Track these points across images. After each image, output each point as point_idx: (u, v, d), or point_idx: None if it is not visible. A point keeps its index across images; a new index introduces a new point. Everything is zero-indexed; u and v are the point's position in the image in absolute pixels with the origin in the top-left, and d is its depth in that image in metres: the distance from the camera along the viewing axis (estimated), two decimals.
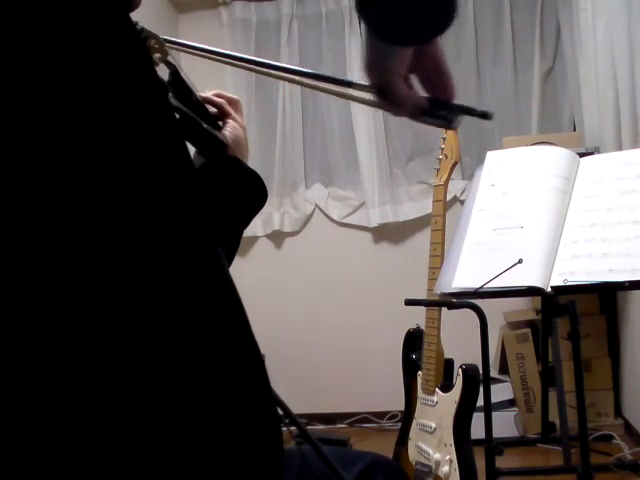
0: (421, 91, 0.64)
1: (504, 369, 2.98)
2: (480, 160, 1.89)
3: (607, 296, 2.88)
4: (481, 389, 1.79)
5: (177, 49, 0.74)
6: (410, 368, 1.98)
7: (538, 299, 2.31)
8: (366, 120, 3.35)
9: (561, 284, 1.46)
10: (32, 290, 0.42)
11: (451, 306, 1.76)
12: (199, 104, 0.86)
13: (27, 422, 0.42)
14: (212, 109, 0.91)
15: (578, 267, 1.47)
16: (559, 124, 3.23)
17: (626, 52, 2.33)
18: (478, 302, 1.71)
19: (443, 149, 1.96)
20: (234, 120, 0.92)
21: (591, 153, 2.40)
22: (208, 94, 0.92)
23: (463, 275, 1.60)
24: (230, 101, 0.93)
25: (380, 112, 3.36)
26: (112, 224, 0.44)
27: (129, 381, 0.44)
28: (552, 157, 1.70)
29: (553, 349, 2.16)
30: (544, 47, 3.24)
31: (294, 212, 3.51)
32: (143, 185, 0.45)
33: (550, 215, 1.59)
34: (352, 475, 0.74)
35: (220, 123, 0.92)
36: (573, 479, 1.60)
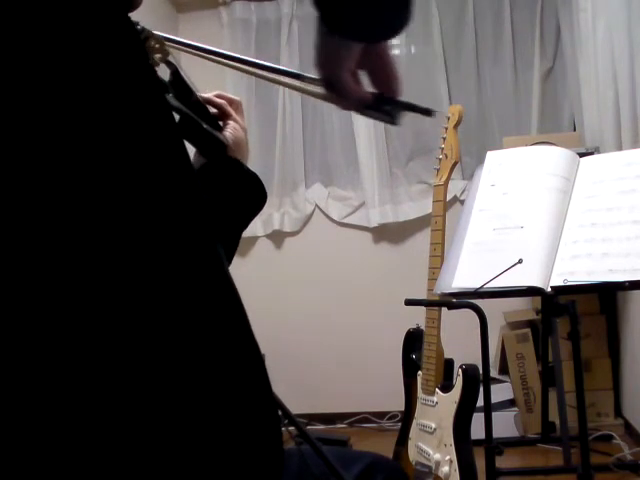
0: (368, 86, 0.66)
1: (504, 369, 2.98)
2: (480, 160, 1.89)
3: (607, 296, 2.88)
4: (481, 389, 1.79)
5: (177, 48, 0.74)
6: (410, 368, 1.98)
7: (538, 299, 2.31)
8: (366, 120, 3.35)
9: (561, 284, 1.46)
10: (32, 290, 0.42)
11: (451, 306, 1.76)
12: (200, 104, 0.86)
13: (27, 422, 0.42)
14: (213, 110, 0.91)
15: (578, 267, 1.47)
16: (559, 124, 3.23)
17: (626, 52, 2.33)
18: (478, 302, 1.71)
19: (443, 149, 1.96)
20: (235, 121, 0.92)
21: (591, 153, 2.40)
22: (209, 95, 0.92)
23: (463, 275, 1.60)
24: (231, 102, 0.93)
25: None
26: (111, 224, 0.44)
27: (129, 381, 0.44)
28: (552, 157, 1.70)
29: (553, 349, 2.16)
30: (544, 47, 3.24)
31: (294, 212, 3.51)
32: (141, 185, 0.45)
33: (550, 215, 1.59)
34: (352, 475, 0.74)
35: (221, 124, 0.92)
36: (573, 479, 1.60)
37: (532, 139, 2.75)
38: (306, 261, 3.48)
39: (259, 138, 3.50)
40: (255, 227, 3.46)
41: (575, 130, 3.15)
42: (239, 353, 0.50)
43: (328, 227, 3.51)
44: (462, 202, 3.11)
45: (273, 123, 3.50)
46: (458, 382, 1.76)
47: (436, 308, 1.87)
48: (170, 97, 0.79)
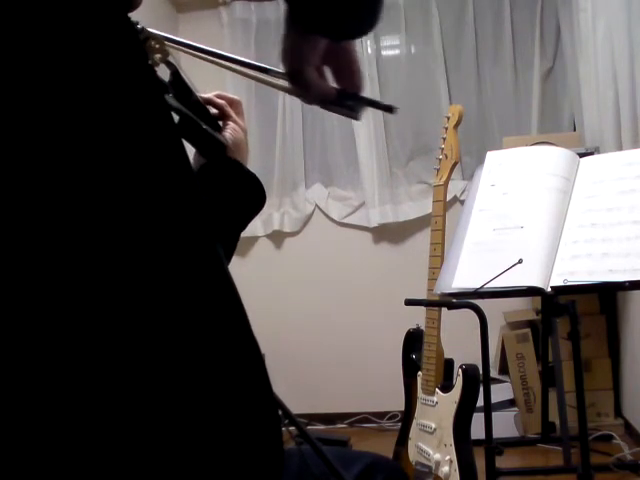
0: (332, 82, 0.69)
1: (504, 369, 2.98)
2: (480, 160, 1.89)
3: (607, 296, 2.88)
4: (481, 389, 1.79)
5: (176, 48, 0.74)
6: (410, 368, 1.98)
7: (538, 299, 2.31)
8: (366, 120, 3.35)
9: (561, 284, 1.46)
10: (32, 290, 0.42)
11: (451, 306, 1.76)
12: (199, 105, 0.86)
13: (27, 422, 0.42)
14: (213, 110, 0.91)
15: (578, 267, 1.47)
16: (559, 124, 3.23)
17: (626, 52, 2.33)
18: (478, 302, 1.71)
19: (443, 149, 1.96)
20: (235, 122, 0.92)
21: (591, 153, 2.40)
22: (209, 95, 0.92)
23: (463, 275, 1.60)
24: (231, 102, 0.93)
25: (380, 112, 3.36)
26: (111, 225, 0.44)
27: (128, 381, 0.44)
28: (552, 157, 1.70)
29: (553, 349, 2.16)
30: (544, 47, 3.24)
31: (294, 212, 3.51)
32: (140, 185, 0.45)
33: (550, 215, 1.59)
34: (352, 475, 0.74)
35: (220, 124, 0.92)
36: (573, 479, 1.60)
37: (532, 139, 2.75)
38: (306, 261, 3.48)
39: (259, 138, 3.50)
40: (255, 227, 3.46)
41: (575, 130, 3.15)
42: (239, 353, 0.50)
43: (328, 227, 3.51)
44: (462, 202, 3.11)
45: (273, 123, 3.50)
46: (458, 382, 1.76)
47: (436, 308, 1.87)
48: (170, 97, 0.79)
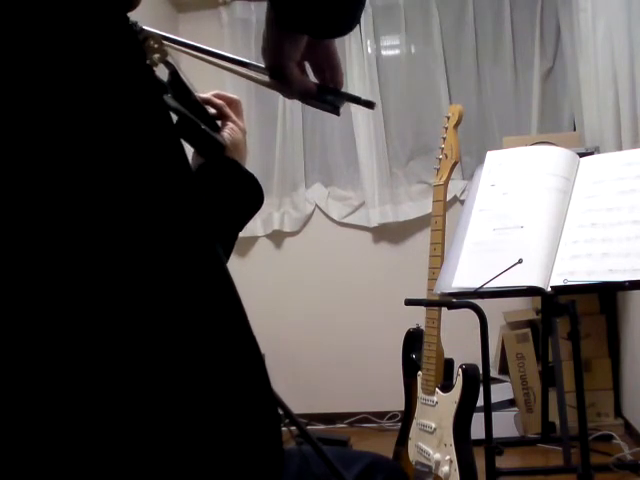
0: (312, 77, 0.70)
1: (504, 369, 2.98)
2: (480, 160, 1.89)
3: (607, 296, 2.88)
4: (481, 389, 1.79)
5: (174, 47, 0.74)
6: (410, 368, 1.98)
7: (538, 299, 2.31)
8: (366, 120, 3.35)
9: (561, 284, 1.46)
10: (31, 290, 0.42)
11: (451, 306, 1.76)
12: (198, 105, 0.86)
13: (26, 421, 0.42)
14: (212, 110, 0.91)
15: (578, 267, 1.47)
16: (559, 124, 3.23)
17: (626, 52, 2.33)
18: (478, 302, 1.71)
19: (443, 149, 1.96)
20: (233, 122, 0.92)
21: (591, 153, 2.40)
22: (208, 95, 0.91)
23: (463, 275, 1.60)
24: (230, 102, 0.93)
25: (380, 112, 3.36)
26: (110, 225, 0.44)
27: (128, 381, 0.44)
28: (552, 157, 1.70)
29: (553, 349, 2.16)
30: (544, 47, 3.24)
31: (294, 212, 3.51)
32: (139, 185, 0.45)
33: (550, 215, 1.59)
34: (352, 475, 0.74)
35: (220, 123, 0.92)
36: (573, 479, 1.60)
37: (532, 139, 2.75)
38: (306, 261, 3.49)
39: (259, 138, 3.50)
40: (255, 227, 3.46)
41: (575, 130, 3.15)
42: (239, 352, 0.50)
43: (328, 227, 3.51)
44: (462, 202, 3.11)
45: (273, 123, 3.50)
46: (458, 382, 1.76)
47: (436, 308, 1.87)
48: (168, 97, 0.79)
